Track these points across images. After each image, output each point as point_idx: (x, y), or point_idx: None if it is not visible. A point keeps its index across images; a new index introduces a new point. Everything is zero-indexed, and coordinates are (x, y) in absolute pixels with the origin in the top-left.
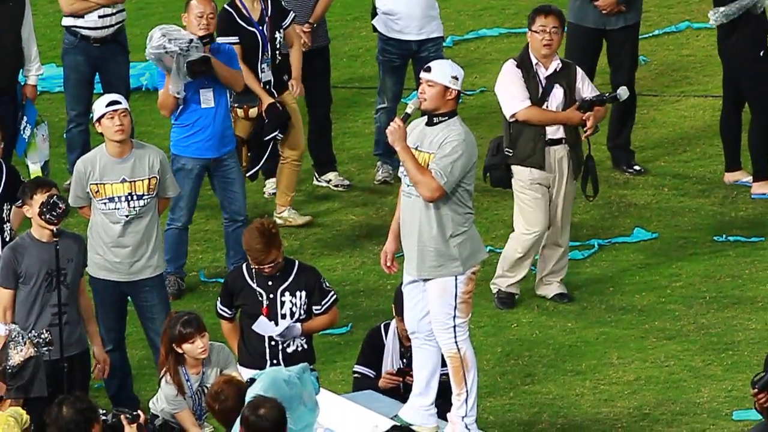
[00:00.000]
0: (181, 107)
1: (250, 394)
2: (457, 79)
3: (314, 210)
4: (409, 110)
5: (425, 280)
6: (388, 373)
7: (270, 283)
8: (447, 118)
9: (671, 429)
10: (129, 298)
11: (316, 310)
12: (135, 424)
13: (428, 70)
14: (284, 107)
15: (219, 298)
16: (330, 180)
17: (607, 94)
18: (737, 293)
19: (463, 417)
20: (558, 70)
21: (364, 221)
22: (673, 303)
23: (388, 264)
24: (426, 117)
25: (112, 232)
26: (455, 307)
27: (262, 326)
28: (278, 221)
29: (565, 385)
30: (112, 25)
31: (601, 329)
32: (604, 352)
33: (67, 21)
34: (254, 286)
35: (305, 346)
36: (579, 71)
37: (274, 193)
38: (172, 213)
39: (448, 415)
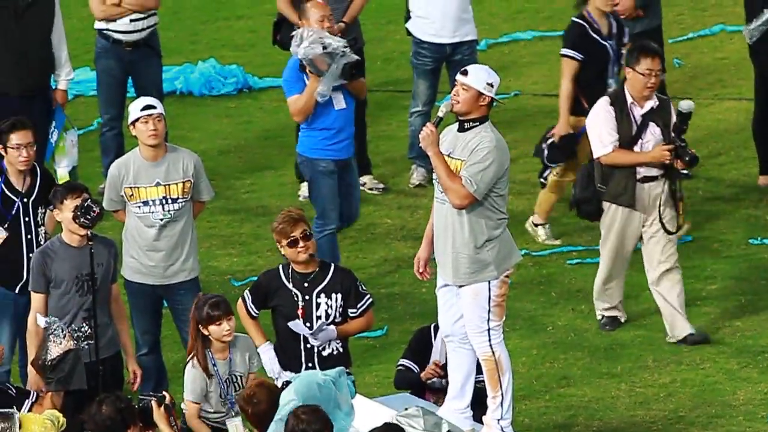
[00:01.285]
0: (313, 112)
1: (284, 397)
2: (492, 86)
3: None
4: (441, 113)
5: (459, 285)
6: (435, 364)
7: (306, 284)
8: (478, 123)
9: None
10: (164, 301)
11: (351, 313)
12: (163, 406)
13: (465, 73)
14: (574, 138)
15: (250, 295)
16: (365, 183)
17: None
18: None
19: (498, 420)
20: (654, 108)
21: (399, 224)
22: (708, 306)
23: (421, 270)
24: (458, 123)
25: (146, 236)
26: (489, 311)
27: (297, 325)
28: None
29: (600, 387)
30: (144, 29)
31: (637, 332)
32: (639, 354)
33: (99, 24)
34: (290, 286)
35: (341, 350)
36: (673, 108)
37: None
38: (321, 219)
39: (484, 417)
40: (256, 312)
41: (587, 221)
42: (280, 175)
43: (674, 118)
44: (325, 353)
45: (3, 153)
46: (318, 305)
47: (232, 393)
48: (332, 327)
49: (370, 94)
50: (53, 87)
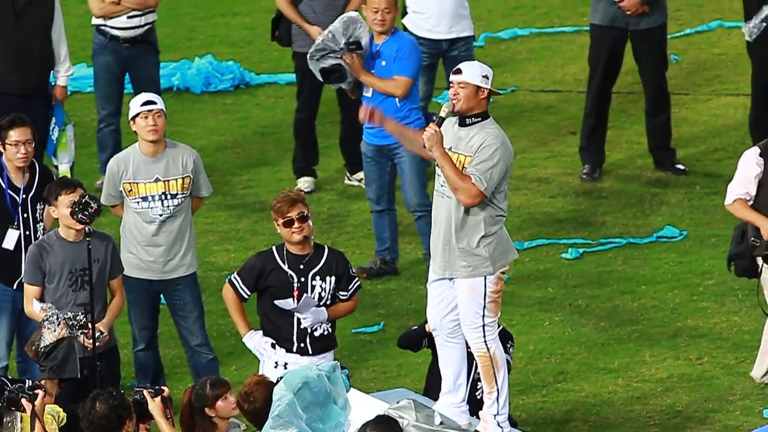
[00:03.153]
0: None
1: (277, 392)
2: (487, 78)
3: (346, 209)
4: (443, 114)
5: (451, 279)
6: None
7: (301, 266)
8: (480, 119)
9: (704, 426)
10: (161, 297)
11: (342, 295)
12: (159, 397)
13: (458, 72)
14: None
15: (239, 277)
16: (361, 179)
17: None
18: None
19: (495, 415)
20: None
21: (396, 219)
22: (705, 300)
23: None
24: (457, 118)
25: (145, 231)
26: (484, 307)
27: (286, 303)
28: None
29: (597, 382)
30: (141, 26)
31: (633, 327)
32: (636, 349)
33: (96, 20)
34: (285, 268)
35: (330, 330)
36: None
37: (306, 192)
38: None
39: (481, 413)
40: (248, 294)
41: (582, 215)
42: (277, 171)
43: None
44: (317, 334)
45: (2, 149)
46: (313, 287)
47: None
48: (323, 308)
49: None
50: (52, 83)
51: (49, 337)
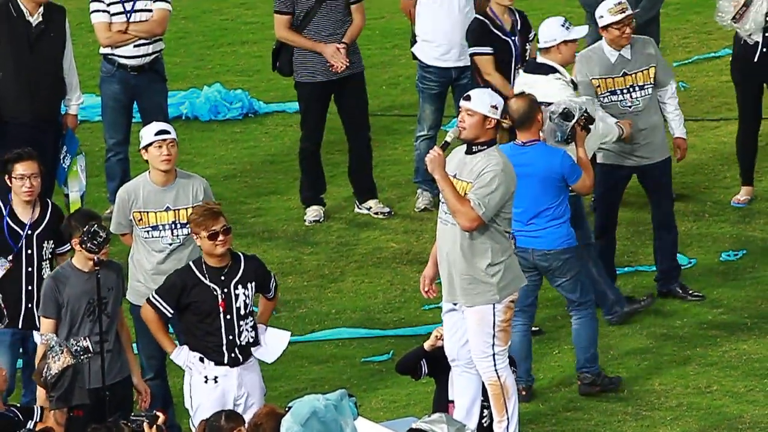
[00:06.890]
0: None
1: (284, 424)
2: (496, 108)
3: (355, 237)
4: (448, 139)
5: (455, 304)
6: (437, 330)
7: (222, 278)
8: (486, 147)
9: None
10: (169, 326)
11: (267, 296)
12: (154, 426)
13: (468, 98)
14: None
15: (159, 297)
16: (370, 207)
17: None
18: None
19: None
20: None
21: (405, 248)
22: (714, 329)
23: (426, 289)
24: (465, 145)
25: (153, 260)
26: (494, 336)
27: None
28: None
29: (607, 411)
30: (148, 54)
31: (643, 356)
32: (646, 378)
33: (104, 50)
34: (207, 282)
35: (254, 335)
36: None
37: (315, 221)
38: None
39: None
40: (171, 312)
41: None
42: (286, 200)
43: None
44: (244, 342)
45: (9, 183)
46: (236, 297)
47: None
48: (260, 325)
49: (377, 118)
50: (63, 112)
51: (54, 366)
